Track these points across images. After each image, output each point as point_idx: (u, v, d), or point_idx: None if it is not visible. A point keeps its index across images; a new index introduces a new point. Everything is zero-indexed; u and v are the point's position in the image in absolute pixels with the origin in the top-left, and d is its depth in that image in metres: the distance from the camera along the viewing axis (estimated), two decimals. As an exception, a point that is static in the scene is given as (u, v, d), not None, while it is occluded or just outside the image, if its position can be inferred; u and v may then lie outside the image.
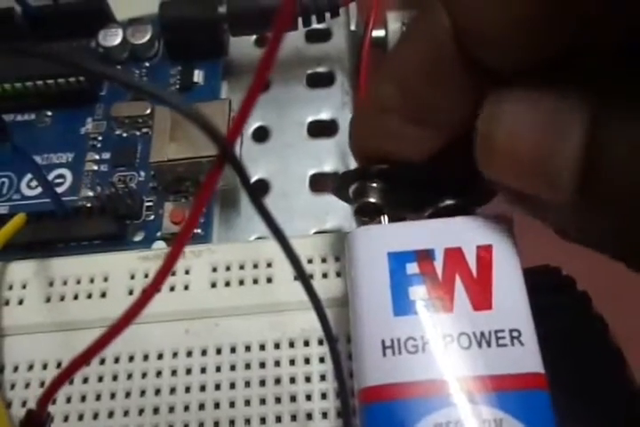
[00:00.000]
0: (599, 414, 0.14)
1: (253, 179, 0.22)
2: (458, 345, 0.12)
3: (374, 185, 0.14)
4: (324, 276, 0.17)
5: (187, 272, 0.17)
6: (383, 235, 0.14)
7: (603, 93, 0.11)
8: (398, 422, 0.12)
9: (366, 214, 0.15)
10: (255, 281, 0.17)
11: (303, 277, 0.11)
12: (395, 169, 0.14)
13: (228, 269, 0.17)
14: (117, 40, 0.23)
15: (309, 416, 0.15)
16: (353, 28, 0.27)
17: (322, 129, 0.23)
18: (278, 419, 0.15)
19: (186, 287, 0.17)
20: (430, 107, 0.12)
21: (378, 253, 0.13)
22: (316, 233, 0.20)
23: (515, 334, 0.12)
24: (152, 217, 0.20)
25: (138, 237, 0.20)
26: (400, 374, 0.12)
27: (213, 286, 0.17)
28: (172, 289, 0.17)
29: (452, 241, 0.13)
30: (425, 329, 0.12)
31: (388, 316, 0.13)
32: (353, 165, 0.22)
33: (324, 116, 0.23)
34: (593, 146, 0.10)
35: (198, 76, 0.23)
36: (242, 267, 0.17)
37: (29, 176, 0.21)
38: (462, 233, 0.13)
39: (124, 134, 0.22)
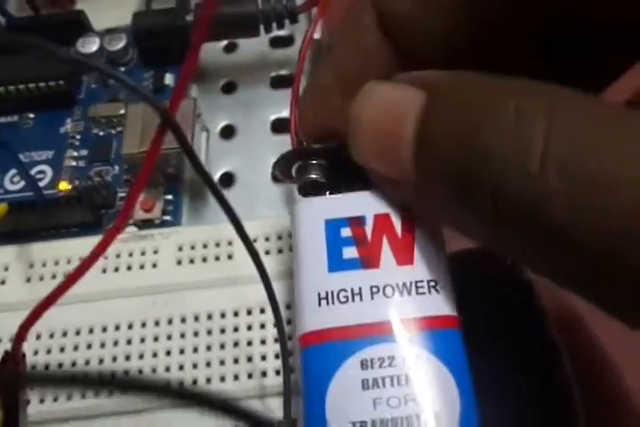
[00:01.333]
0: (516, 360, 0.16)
1: (221, 172, 0.23)
2: (383, 294, 0.14)
3: (314, 162, 0.16)
4: (280, 251, 0.19)
5: (155, 252, 0.19)
6: (322, 205, 0.15)
7: (437, 84, 0.13)
8: (331, 360, 0.13)
9: (309, 192, 0.16)
10: (217, 258, 0.19)
11: (252, 253, 0.13)
12: (332, 147, 0.16)
13: (192, 248, 0.19)
14: (95, 47, 0.24)
15: (264, 374, 0.17)
16: (317, 36, 0.29)
17: (284, 126, 0.24)
18: (236, 377, 0.17)
19: (154, 265, 0.19)
20: (362, 80, 0.14)
21: (317, 221, 0.15)
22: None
23: (432, 284, 0.14)
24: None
25: (111, 225, 0.21)
26: (332, 320, 0.14)
27: (179, 263, 0.19)
28: (141, 267, 0.19)
29: (381, 209, 0.15)
30: (355, 282, 0.14)
31: (324, 272, 0.14)
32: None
33: (286, 114, 0.25)
34: (422, 129, 0.12)
35: (169, 79, 0.24)
36: (205, 246, 0.19)
37: (12, 172, 0.23)
38: (390, 202, 0.15)
39: (101, 133, 0.23)
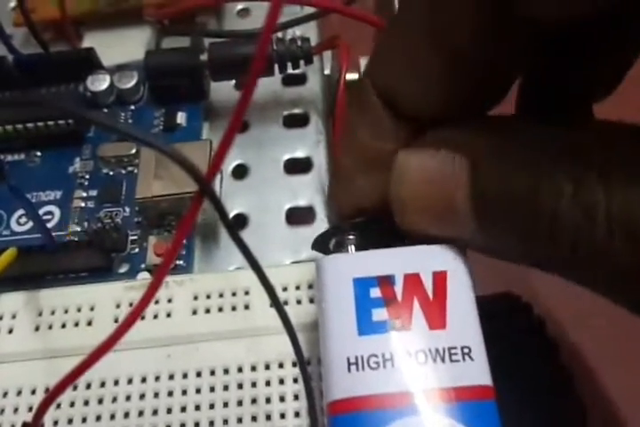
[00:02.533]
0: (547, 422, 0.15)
1: (233, 213, 0.23)
2: (415, 361, 0.13)
3: (350, 237, 0.16)
4: (298, 302, 0.18)
5: (169, 301, 0.19)
6: (349, 262, 0.15)
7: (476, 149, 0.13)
8: (362, 432, 0.13)
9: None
10: (233, 308, 0.18)
11: (277, 304, 0.13)
12: (365, 222, 0.16)
13: (208, 297, 0.19)
14: (105, 85, 0.24)
15: (284, 433, 0.16)
16: (327, 72, 0.29)
17: (297, 166, 0.24)
18: (254, 436, 0.16)
19: (168, 315, 0.18)
20: (376, 158, 0.15)
21: (344, 279, 0.15)
22: (293, 262, 0.22)
23: (466, 350, 0.14)
24: (136, 250, 0.21)
25: (123, 269, 0.21)
26: (363, 387, 0.13)
27: (194, 313, 0.18)
28: (155, 317, 0.18)
29: (410, 268, 0.15)
30: (385, 347, 0.14)
31: (353, 335, 0.14)
32: (324, 199, 0.24)
33: (300, 154, 0.24)
34: (476, 188, 0.13)
35: (181, 118, 0.24)
36: (221, 295, 0.19)
37: (19, 213, 0.22)
38: (420, 260, 0.15)
39: (111, 173, 0.23)
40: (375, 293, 0.14)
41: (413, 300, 0.14)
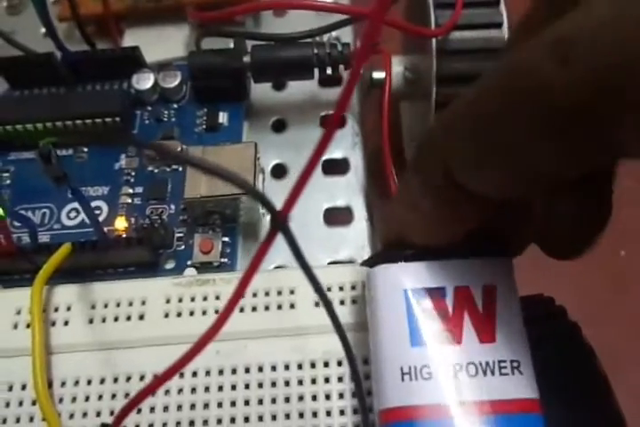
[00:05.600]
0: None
1: (272, 212, 0.24)
2: (466, 373, 0.14)
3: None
4: (342, 303, 0.19)
5: (217, 298, 0.19)
6: (400, 273, 0.16)
7: None
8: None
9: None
10: (279, 307, 0.19)
11: (327, 304, 0.13)
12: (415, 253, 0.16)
13: (254, 295, 0.19)
14: (149, 84, 0.25)
15: (329, 430, 0.17)
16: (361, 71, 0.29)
17: (335, 167, 0.25)
18: (301, 432, 0.17)
19: (216, 312, 0.19)
20: None
21: (395, 290, 0.15)
22: (330, 263, 0.23)
23: (515, 364, 0.14)
24: (182, 247, 0.22)
25: (169, 265, 0.22)
26: (416, 397, 0.14)
27: (241, 310, 0.19)
28: (204, 313, 0.19)
29: (461, 281, 0.15)
30: (438, 358, 0.14)
31: (406, 346, 0.15)
32: (361, 201, 0.24)
33: (337, 155, 0.25)
34: None
35: (223, 117, 0.25)
36: (267, 294, 0.19)
37: (69, 207, 0.23)
38: (470, 274, 0.15)
39: (155, 170, 0.24)
40: (426, 304, 0.15)
41: (464, 313, 0.15)
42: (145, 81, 0.25)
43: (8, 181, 0.24)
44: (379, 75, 0.27)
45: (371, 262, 0.17)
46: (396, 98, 0.26)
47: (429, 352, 0.14)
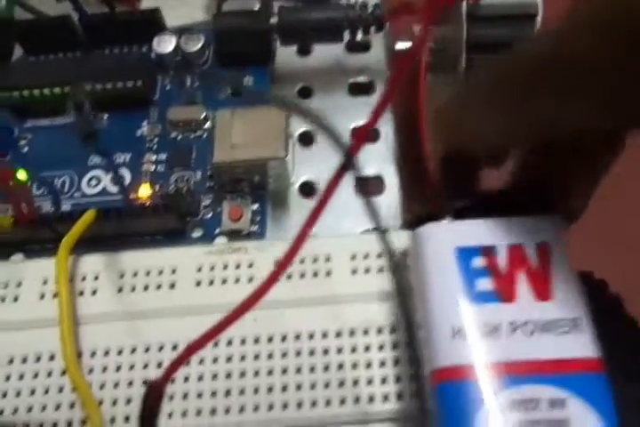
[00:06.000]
0: None
1: (300, 180, 0.23)
2: (522, 332, 0.14)
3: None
4: (380, 270, 0.18)
5: (250, 266, 0.19)
6: (450, 232, 0.15)
7: None
8: (469, 400, 0.13)
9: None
10: (315, 274, 0.19)
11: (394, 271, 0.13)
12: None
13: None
14: (170, 47, 0.24)
15: (371, 399, 0.17)
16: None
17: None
18: (342, 402, 0.17)
19: (250, 280, 0.18)
20: None
21: (446, 248, 0.15)
22: (363, 232, 0.22)
23: (573, 322, 0.14)
24: (209, 215, 0.21)
25: (196, 234, 0.21)
26: (470, 356, 0.13)
27: (276, 279, 0.18)
28: (237, 281, 0.18)
29: (513, 238, 0.15)
30: (492, 317, 0.14)
31: (458, 304, 0.14)
32: (392, 169, 0.23)
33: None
34: None
35: (247, 81, 0.24)
36: (302, 261, 0.19)
37: (89, 175, 0.22)
38: (522, 231, 0.15)
39: (179, 137, 0.23)
40: (479, 262, 0.14)
41: (517, 271, 0.14)
42: (166, 44, 0.24)
43: (26, 149, 0.23)
44: (402, 45, 0.26)
45: (413, 224, 0.16)
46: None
47: (482, 311, 0.14)
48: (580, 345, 0.13)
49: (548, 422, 0.13)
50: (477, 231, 0.15)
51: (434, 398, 0.14)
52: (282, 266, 0.12)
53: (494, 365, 0.13)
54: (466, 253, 0.15)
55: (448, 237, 0.15)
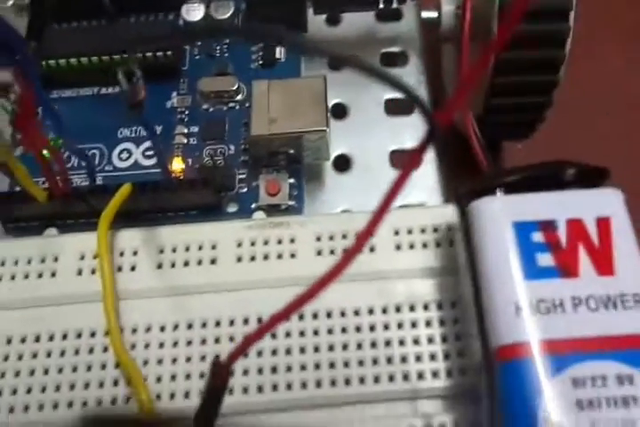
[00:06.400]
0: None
1: (335, 154, 0.22)
2: (586, 307, 0.13)
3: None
4: (425, 246, 0.18)
5: (292, 241, 0.18)
6: (506, 206, 0.15)
7: None
8: (533, 377, 0.13)
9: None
10: (358, 250, 0.18)
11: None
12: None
13: (331, 238, 0.18)
14: (200, 15, 0.23)
15: (420, 376, 0.16)
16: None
17: (399, 107, 0.23)
18: (391, 378, 0.16)
19: (292, 255, 0.18)
20: None
21: (503, 223, 0.14)
22: (400, 206, 0.21)
23: (637, 298, 0.13)
24: (245, 189, 0.21)
25: (232, 209, 0.21)
26: (534, 332, 0.13)
27: (319, 253, 0.18)
28: (279, 257, 0.18)
29: (572, 212, 0.14)
30: (554, 292, 0.13)
31: (519, 280, 0.14)
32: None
33: (401, 94, 0.24)
34: None
35: (279, 53, 0.23)
36: (344, 236, 0.18)
37: (120, 148, 0.22)
38: (581, 205, 0.14)
39: (211, 109, 0.22)
40: (538, 237, 0.14)
41: (578, 246, 0.14)
42: (195, 12, 0.23)
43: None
44: (428, 14, 0.25)
45: (465, 198, 0.16)
46: (444, 37, 0.24)
47: (544, 286, 0.13)
48: (646, 321, 0.13)
49: (616, 399, 0.12)
50: (534, 205, 0.14)
51: (498, 375, 0.13)
52: (364, 236, 0.11)
53: (558, 341, 0.13)
54: (524, 228, 0.14)
55: (504, 211, 0.15)
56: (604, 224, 0.14)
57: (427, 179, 0.22)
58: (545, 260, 0.14)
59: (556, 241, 0.14)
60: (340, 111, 0.23)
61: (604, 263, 0.14)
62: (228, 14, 0.23)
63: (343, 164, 0.22)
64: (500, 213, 0.15)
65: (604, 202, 0.15)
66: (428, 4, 0.25)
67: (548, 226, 0.14)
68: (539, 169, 0.15)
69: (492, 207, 0.15)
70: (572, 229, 0.14)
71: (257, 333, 0.12)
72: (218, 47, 0.23)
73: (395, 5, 0.23)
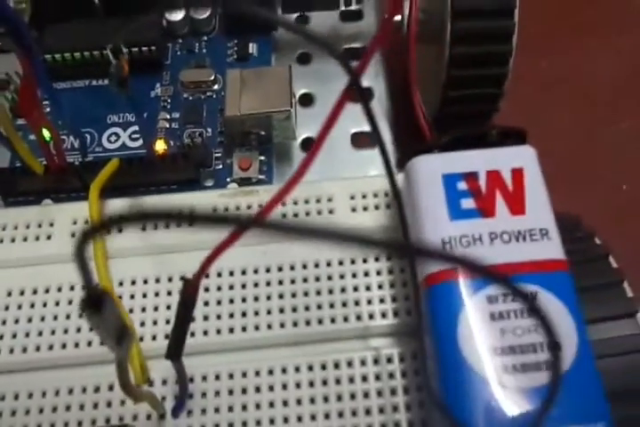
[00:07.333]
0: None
1: (302, 137, 0.25)
2: (500, 240, 0.16)
3: None
4: (376, 207, 0.21)
5: (260, 206, 0.21)
6: (438, 162, 0.17)
7: None
8: (456, 297, 0.15)
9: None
10: (319, 213, 0.21)
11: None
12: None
13: (295, 203, 0.21)
14: (180, 15, 0.26)
15: (371, 317, 0.19)
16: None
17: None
18: (345, 319, 0.19)
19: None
20: None
21: (434, 175, 0.17)
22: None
23: (543, 231, 0.16)
24: (220, 166, 0.23)
25: (209, 183, 0.23)
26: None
27: (284, 216, 0.21)
28: (248, 219, 0.21)
29: (492, 165, 0.17)
30: (474, 229, 0.16)
31: (446, 220, 0.16)
32: (386, 125, 0.26)
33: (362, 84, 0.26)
34: None
35: (252, 48, 0.26)
36: (307, 202, 0.21)
37: (109, 132, 0.24)
38: (500, 159, 0.17)
39: (190, 97, 0.25)
40: (462, 186, 0.17)
41: (495, 191, 0.16)
42: (176, 13, 0.26)
43: (47, 109, 0.25)
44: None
45: (410, 158, 0.18)
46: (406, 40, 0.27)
47: (466, 225, 0.16)
48: (549, 250, 0.16)
49: (523, 310, 0.15)
50: (461, 161, 0.17)
51: (425, 299, 0.16)
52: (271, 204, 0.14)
53: (477, 269, 0.15)
54: (451, 179, 0.17)
55: (436, 166, 0.17)
56: (517, 174, 0.17)
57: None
58: (467, 204, 0.16)
59: (477, 188, 0.17)
60: (307, 100, 0.26)
61: (516, 205, 0.16)
62: (206, 14, 0.26)
63: (309, 145, 0.25)
64: (432, 168, 0.17)
65: (519, 156, 0.17)
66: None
67: (470, 176, 0.17)
68: (467, 131, 0.18)
69: (426, 163, 0.17)
70: (490, 178, 0.17)
71: (214, 253, 0.14)
72: (197, 44, 0.26)
73: (354, 6, 0.26)
